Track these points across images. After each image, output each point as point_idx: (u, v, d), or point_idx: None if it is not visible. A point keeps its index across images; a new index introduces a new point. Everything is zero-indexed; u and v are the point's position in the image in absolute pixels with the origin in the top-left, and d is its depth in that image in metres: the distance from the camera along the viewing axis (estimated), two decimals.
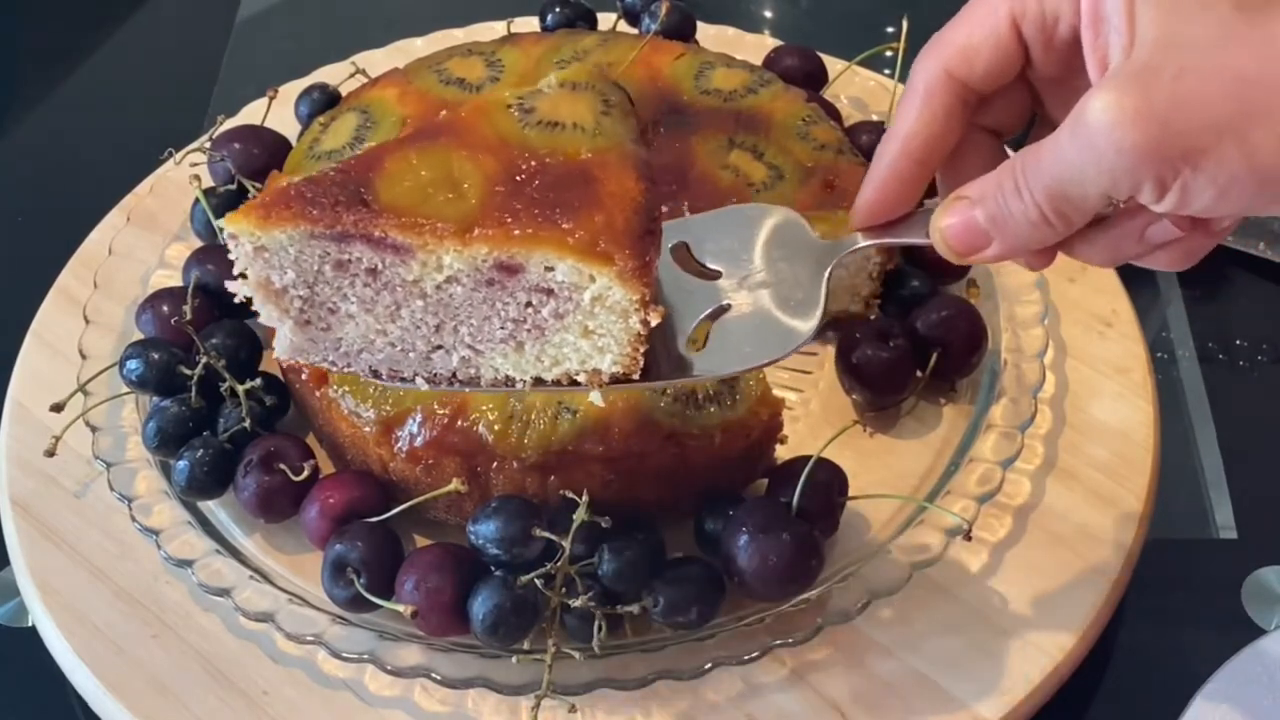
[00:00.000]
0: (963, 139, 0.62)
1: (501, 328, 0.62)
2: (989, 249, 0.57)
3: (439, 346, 0.63)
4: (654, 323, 0.61)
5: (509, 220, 0.60)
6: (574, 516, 0.66)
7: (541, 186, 0.61)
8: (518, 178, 0.62)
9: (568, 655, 0.67)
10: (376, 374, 0.65)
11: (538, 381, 0.64)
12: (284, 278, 0.62)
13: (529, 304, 0.61)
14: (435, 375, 0.64)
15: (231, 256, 0.62)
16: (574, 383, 0.64)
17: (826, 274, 0.63)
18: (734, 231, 0.66)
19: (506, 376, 0.64)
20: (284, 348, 0.65)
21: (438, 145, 0.62)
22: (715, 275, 0.65)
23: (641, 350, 0.62)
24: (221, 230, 0.85)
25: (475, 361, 0.64)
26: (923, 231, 0.61)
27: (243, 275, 0.62)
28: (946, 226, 0.58)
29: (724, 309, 0.64)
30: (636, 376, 0.63)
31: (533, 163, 0.62)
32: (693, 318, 0.64)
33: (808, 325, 0.63)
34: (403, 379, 0.65)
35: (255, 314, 0.78)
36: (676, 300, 0.64)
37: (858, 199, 0.63)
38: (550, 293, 0.61)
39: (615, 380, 0.63)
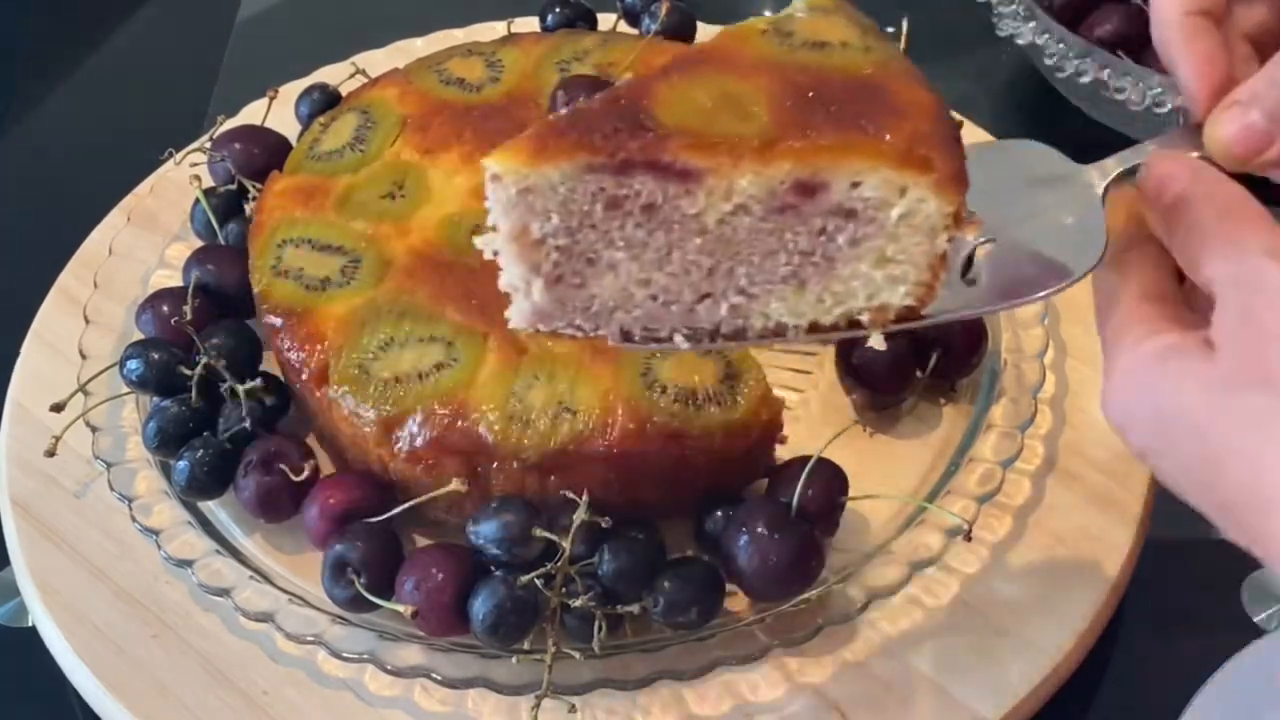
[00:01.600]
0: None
1: (786, 264, 0.57)
2: (1272, 149, 0.57)
3: (708, 295, 0.58)
4: (969, 237, 0.57)
5: (811, 133, 0.54)
6: (574, 516, 0.66)
7: (834, 100, 0.56)
8: (807, 93, 0.56)
9: (568, 655, 0.67)
10: (628, 336, 0.59)
11: (813, 328, 0.58)
12: (545, 225, 0.55)
13: (823, 231, 0.56)
14: (697, 330, 0.58)
15: (488, 204, 0.56)
16: (853, 324, 0.58)
17: (1101, 191, 0.59)
18: (983, 169, 0.60)
19: (778, 324, 0.58)
20: (523, 314, 0.58)
21: (703, 71, 0.57)
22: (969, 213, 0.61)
23: (940, 277, 0.57)
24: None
25: (746, 309, 0.58)
26: (1193, 145, 0.59)
27: (493, 229, 0.56)
28: (1225, 135, 0.57)
29: (988, 242, 0.59)
30: (927, 310, 0.58)
31: (816, 79, 0.57)
32: (957, 252, 0.58)
33: (1095, 244, 0.58)
34: (658, 339, 0.59)
35: (255, 314, 0.79)
36: None
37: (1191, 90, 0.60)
38: (851, 214, 0.56)
39: (900, 319, 0.58)
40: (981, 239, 0.59)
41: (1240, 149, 0.58)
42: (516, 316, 0.58)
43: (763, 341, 0.59)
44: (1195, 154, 0.58)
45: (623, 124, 0.54)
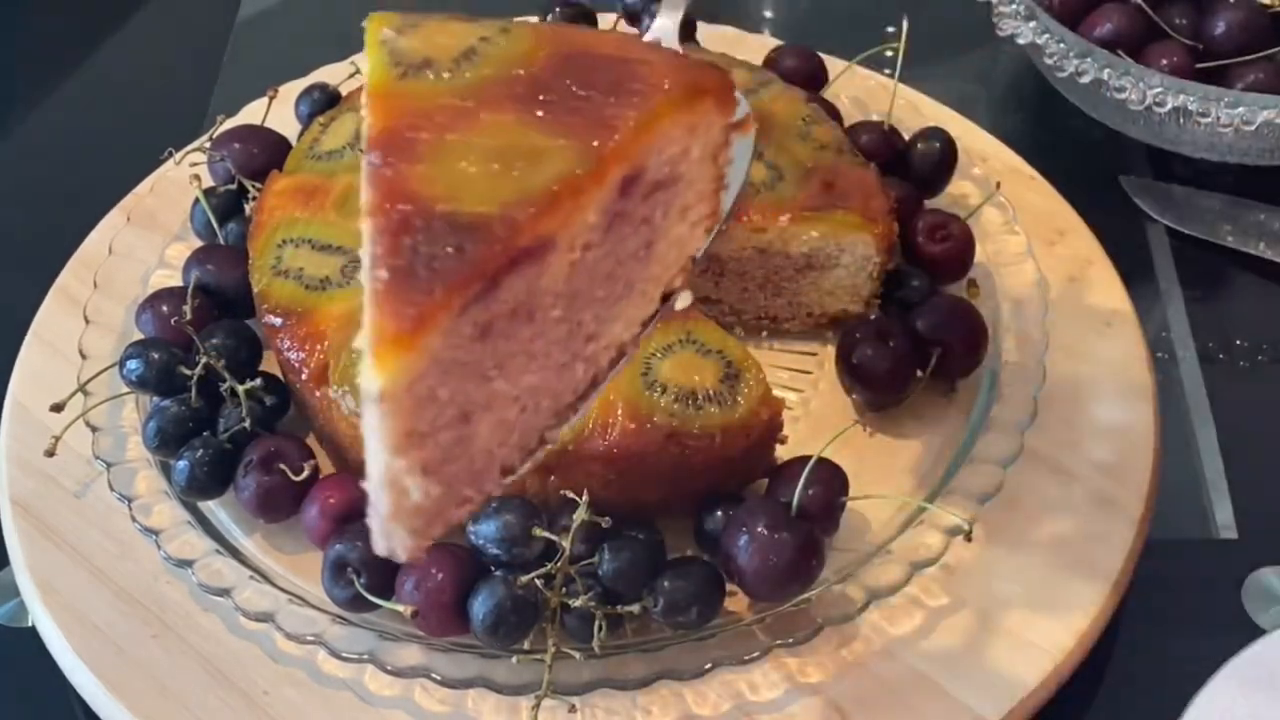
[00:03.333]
0: None
1: (620, 272, 0.53)
2: None
3: (571, 359, 0.53)
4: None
5: (609, 120, 0.51)
6: (574, 516, 0.66)
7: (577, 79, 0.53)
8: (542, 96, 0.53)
9: (568, 655, 0.67)
10: (509, 471, 0.53)
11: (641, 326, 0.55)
12: (433, 410, 0.47)
13: (644, 220, 0.53)
14: (562, 410, 0.54)
15: (366, 430, 0.46)
16: (666, 299, 0.56)
17: None
18: None
19: (619, 345, 0.55)
20: (402, 540, 0.48)
21: (444, 143, 0.52)
22: None
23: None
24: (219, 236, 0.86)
25: (598, 350, 0.54)
26: None
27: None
28: None
29: None
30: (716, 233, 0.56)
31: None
32: None
33: None
34: (531, 452, 0.53)
35: (254, 314, 0.79)
36: None
37: None
38: (660, 185, 0.53)
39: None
40: None
41: None
42: (399, 548, 0.49)
43: (610, 376, 0.55)
44: None
45: (436, 254, 0.46)
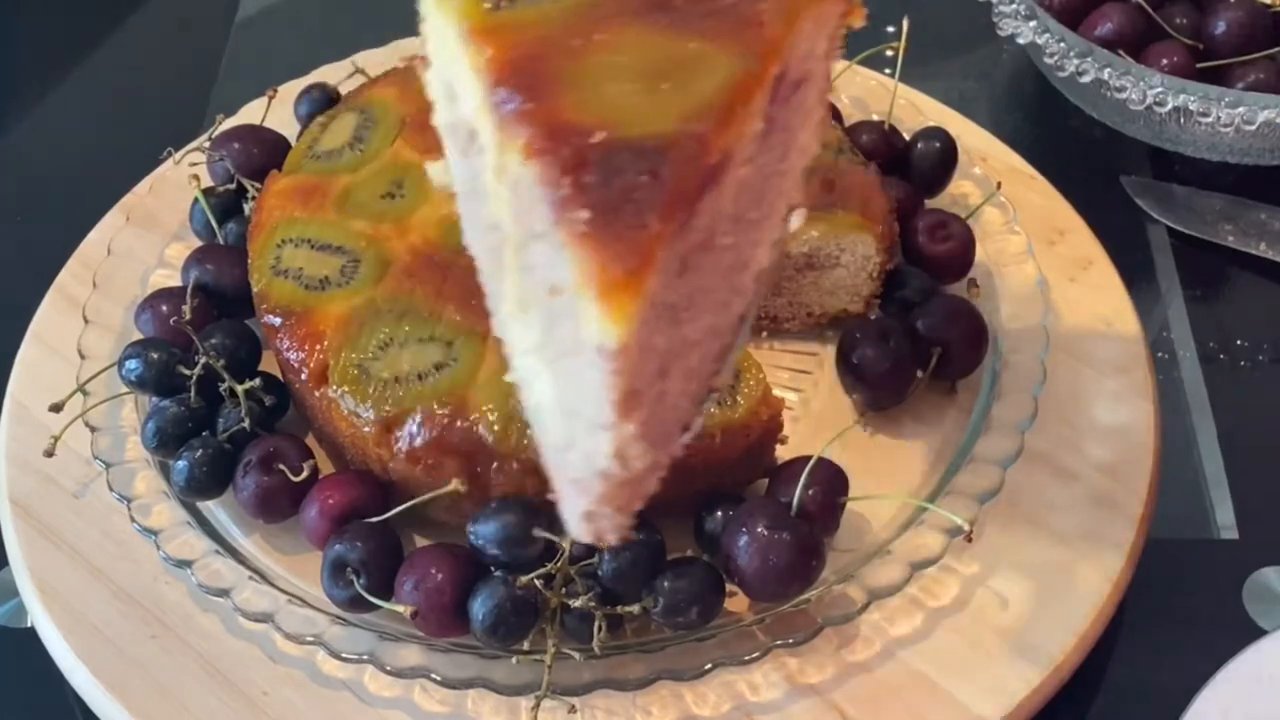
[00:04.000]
0: None
1: (766, 189, 0.48)
2: None
3: (730, 292, 0.48)
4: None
5: (758, 22, 0.46)
6: None
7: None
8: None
9: (568, 655, 0.67)
10: (687, 428, 0.49)
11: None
12: (654, 350, 0.43)
13: (784, 126, 0.48)
14: (722, 350, 0.49)
15: (585, 399, 0.42)
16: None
17: None
18: None
19: (761, 273, 0.50)
20: (610, 520, 0.45)
21: (582, 68, 0.46)
22: None
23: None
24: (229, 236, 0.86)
25: (751, 264, 0.48)
26: None
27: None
28: None
29: None
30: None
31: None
32: None
33: None
34: (700, 402, 0.49)
35: (254, 314, 0.79)
36: None
37: None
38: (797, 85, 0.48)
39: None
40: None
41: None
42: (612, 529, 0.45)
43: (755, 303, 0.51)
44: None
45: (640, 173, 0.41)
